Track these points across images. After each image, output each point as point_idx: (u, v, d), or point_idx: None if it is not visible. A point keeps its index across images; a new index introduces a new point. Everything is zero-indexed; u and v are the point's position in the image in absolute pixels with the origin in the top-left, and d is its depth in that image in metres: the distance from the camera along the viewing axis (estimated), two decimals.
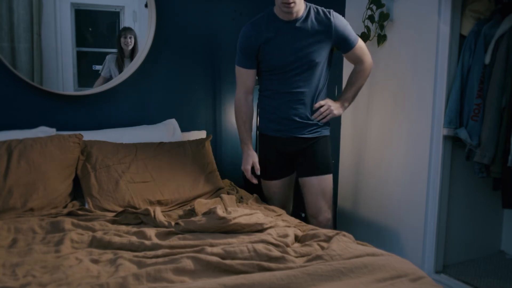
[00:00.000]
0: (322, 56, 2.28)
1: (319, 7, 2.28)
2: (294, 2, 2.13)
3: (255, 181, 2.36)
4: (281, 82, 2.28)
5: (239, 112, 2.37)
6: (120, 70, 2.66)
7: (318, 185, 2.35)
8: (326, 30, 2.26)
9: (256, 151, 2.49)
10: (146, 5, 2.66)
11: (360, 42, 2.36)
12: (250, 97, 2.38)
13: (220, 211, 1.80)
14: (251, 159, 2.35)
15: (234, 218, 1.78)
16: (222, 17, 2.87)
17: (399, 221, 2.85)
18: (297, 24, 2.23)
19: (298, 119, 2.30)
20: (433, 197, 2.65)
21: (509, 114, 2.48)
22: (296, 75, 2.27)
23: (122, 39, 2.65)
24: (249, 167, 2.34)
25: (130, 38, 2.65)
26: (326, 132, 2.40)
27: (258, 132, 2.56)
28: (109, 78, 2.65)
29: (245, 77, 2.33)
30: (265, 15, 2.28)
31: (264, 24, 2.25)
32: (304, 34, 2.24)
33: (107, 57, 2.65)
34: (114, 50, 2.67)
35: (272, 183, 2.44)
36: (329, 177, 2.38)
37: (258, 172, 2.35)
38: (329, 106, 2.32)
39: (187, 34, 2.79)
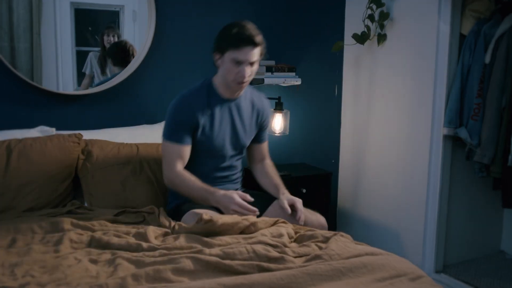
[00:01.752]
0: (251, 140, 2.23)
1: (250, 87, 2.21)
2: (247, 81, 2.02)
3: (255, 209, 1.93)
4: (216, 164, 2.13)
5: (188, 179, 2.02)
6: (102, 68, 2.64)
7: None
8: (259, 112, 2.21)
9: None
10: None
11: None
12: None
13: (205, 216, 1.80)
14: (232, 193, 1.95)
15: (220, 218, 1.78)
16: (222, 17, 2.87)
17: (399, 220, 2.85)
18: (238, 103, 2.13)
19: None
20: (433, 196, 2.65)
21: (509, 113, 2.48)
22: (231, 158, 2.16)
23: (105, 38, 2.63)
24: (238, 199, 1.92)
25: (113, 36, 2.64)
26: None
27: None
28: (94, 76, 2.64)
29: (183, 153, 2.04)
30: (204, 86, 2.11)
31: (204, 98, 2.07)
32: (242, 116, 2.15)
33: (90, 54, 2.62)
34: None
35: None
36: None
37: (251, 198, 1.96)
38: (299, 208, 2.02)
39: (187, 33, 2.78)
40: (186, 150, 2.06)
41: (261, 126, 2.24)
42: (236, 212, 1.90)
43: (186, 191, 2.04)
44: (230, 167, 2.20)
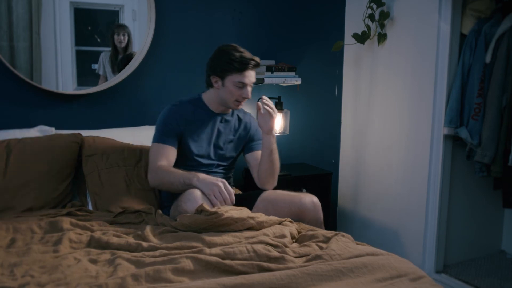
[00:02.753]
0: (236, 153, 2.29)
1: None
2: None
3: (232, 199, 1.95)
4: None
5: (168, 169, 2.05)
6: (113, 68, 2.64)
7: None
8: (247, 125, 2.29)
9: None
10: None
11: None
12: None
13: (209, 208, 1.80)
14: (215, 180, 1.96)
15: (226, 211, 1.77)
16: (222, 16, 2.87)
17: (400, 220, 2.85)
18: (226, 117, 2.23)
19: None
20: (434, 196, 2.65)
21: (510, 113, 2.48)
22: (210, 172, 2.17)
23: (115, 37, 2.63)
24: (224, 181, 1.95)
25: (124, 35, 2.63)
26: None
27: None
28: (107, 77, 2.64)
29: (167, 152, 2.10)
30: (192, 100, 2.21)
31: (191, 108, 2.18)
32: (229, 129, 2.24)
33: (101, 54, 2.63)
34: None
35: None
36: None
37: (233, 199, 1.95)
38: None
39: (186, 33, 2.78)
40: (170, 150, 2.11)
41: (250, 137, 2.29)
42: (213, 192, 1.90)
43: (169, 180, 2.03)
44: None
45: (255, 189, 2.30)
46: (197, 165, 2.18)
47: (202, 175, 1.98)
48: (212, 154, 2.21)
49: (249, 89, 2.11)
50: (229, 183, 2.31)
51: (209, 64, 2.15)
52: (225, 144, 2.24)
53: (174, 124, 2.12)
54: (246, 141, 2.30)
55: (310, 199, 2.11)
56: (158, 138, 2.12)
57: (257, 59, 2.10)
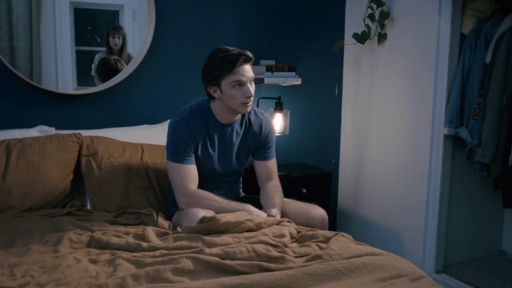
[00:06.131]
0: (247, 158, 2.21)
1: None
2: (252, 99, 2.00)
3: None
4: (211, 186, 2.11)
5: (207, 196, 2.00)
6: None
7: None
8: (255, 133, 2.16)
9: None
10: None
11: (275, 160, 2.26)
12: None
13: (207, 215, 1.81)
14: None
15: (224, 217, 1.78)
16: (222, 16, 2.87)
17: (400, 220, 2.85)
18: (237, 127, 2.12)
19: None
20: (434, 196, 2.65)
21: (510, 113, 2.48)
22: (221, 182, 2.17)
23: (110, 39, 2.61)
24: None
25: (119, 38, 2.62)
26: None
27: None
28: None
29: (192, 172, 2.02)
30: (202, 112, 2.06)
31: (202, 122, 2.05)
32: (240, 138, 2.14)
33: (96, 55, 2.62)
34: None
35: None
36: None
37: None
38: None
39: (187, 33, 2.78)
40: (194, 169, 2.04)
41: (262, 143, 2.19)
42: None
43: (211, 206, 1.98)
44: (226, 187, 2.19)
45: (258, 193, 2.28)
46: (208, 175, 2.13)
47: (253, 210, 1.97)
48: (225, 167, 2.15)
49: (250, 86, 1.97)
50: (238, 189, 2.32)
51: (202, 77, 2.02)
52: (237, 155, 2.16)
53: (190, 140, 2.01)
54: (257, 145, 2.20)
55: (318, 212, 2.10)
56: (179, 158, 2.01)
57: (247, 53, 1.95)
